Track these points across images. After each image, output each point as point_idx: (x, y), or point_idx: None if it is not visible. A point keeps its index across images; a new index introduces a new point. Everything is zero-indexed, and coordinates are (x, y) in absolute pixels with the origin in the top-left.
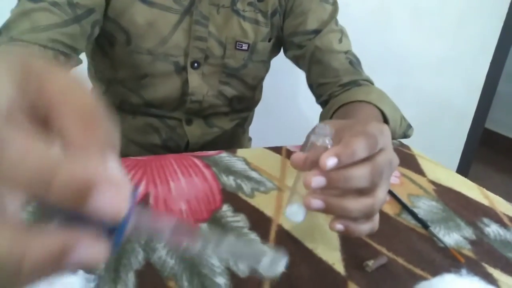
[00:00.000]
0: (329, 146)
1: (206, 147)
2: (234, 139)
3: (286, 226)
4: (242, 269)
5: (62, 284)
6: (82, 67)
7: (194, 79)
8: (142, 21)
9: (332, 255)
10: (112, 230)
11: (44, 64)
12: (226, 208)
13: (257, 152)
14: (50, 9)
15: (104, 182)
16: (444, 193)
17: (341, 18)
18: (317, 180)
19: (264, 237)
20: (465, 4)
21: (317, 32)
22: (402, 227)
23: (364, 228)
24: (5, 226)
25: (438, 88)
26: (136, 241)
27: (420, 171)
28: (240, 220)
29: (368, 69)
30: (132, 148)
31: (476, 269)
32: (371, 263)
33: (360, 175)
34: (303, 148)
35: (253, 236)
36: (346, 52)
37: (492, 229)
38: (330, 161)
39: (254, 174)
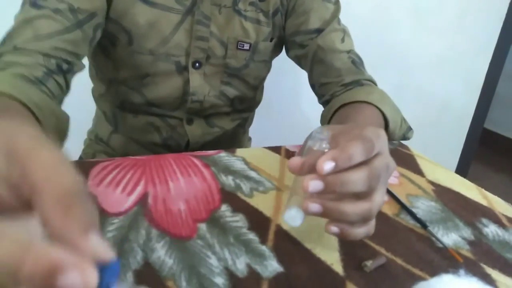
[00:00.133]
0: (326, 151)
1: (206, 146)
2: (235, 139)
3: (285, 226)
4: (240, 269)
5: None
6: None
7: (196, 79)
8: (144, 21)
9: (330, 255)
10: None
11: (28, 142)
12: (225, 208)
13: (256, 152)
14: (52, 16)
15: (72, 266)
16: (443, 193)
17: (342, 17)
18: (315, 184)
19: (263, 237)
20: (465, 4)
21: (319, 31)
22: (401, 227)
23: (360, 231)
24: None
25: (437, 88)
26: (134, 241)
27: (419, 171)
28: (239, 220)
29: (368, 68)
30: (132, 147)
31: (475, 270)
32: (370, 263)
33: (357, 179)
34: (300, 152)
35: (252, 236)
36: (348, 52)
37: (491, 229)
38: (327, 165)
39: (253, 174)
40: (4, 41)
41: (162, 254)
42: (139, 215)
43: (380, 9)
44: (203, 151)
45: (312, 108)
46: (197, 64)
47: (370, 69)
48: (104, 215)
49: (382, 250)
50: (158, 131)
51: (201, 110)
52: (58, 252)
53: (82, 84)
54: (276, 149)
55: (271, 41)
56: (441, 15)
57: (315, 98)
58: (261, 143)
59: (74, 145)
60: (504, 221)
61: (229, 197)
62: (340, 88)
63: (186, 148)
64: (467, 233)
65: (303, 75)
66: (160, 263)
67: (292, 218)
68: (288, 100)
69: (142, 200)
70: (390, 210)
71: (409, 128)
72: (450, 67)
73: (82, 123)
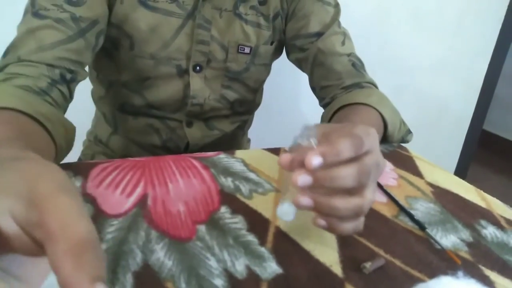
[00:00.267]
0: (314, 146)
1: (205, 148)
2: (234, 141)
3: (284, 227)
4: (240, 271)
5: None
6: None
7: (196, 82)
8: (145, 26)
9: (329, 257)
10: None
11: (49, 188)
12: (224, 210)
13: (255, 153)
14: (55, 26)
15: None
16: (441, 195)
17: (341, 18)
18: (304, 179)
19: (262, 238)
20: (464, 6)
21: (319, 34)
22: (400, 229)
23: (348, 226)
24: None
25: (436, 90)
26: (134, 242)
27: (417, 173)
28: (238, 222)
29: (367, 70)
30: (132, 148)
31: (473, 271)
32: (369, 265)
33: (346, 174)
34: (290, 149)
35: (251, 237)
36: (349, 55)
37: (489, 231)
38: (315, 161)
39: (252, 176)
40: (8, 52)
41: (162, 256)
42: (139, 217)
43: (379, 11)
44: (203, 153)
45: (311, 110)
46: (198, 68)
47: (369, 71)
48: (103, 217)
49: (381, 252)
50: (157, 133)
51: (201, 113)
52: None
53: (82, 85)
54: (275, 151)
55: (271, 44)
56: (440, 17)
57: (314, 100)
58: (261, 144)
59: (73, 146)
60: (503, 222)
61: (229, 198)
62: (340, 91)
63: (186, 150)
64: (466, 234)
65: (302, 77)
66: (159, 265)
67: (284, 213)
68: (288, 101)
69: (142, 202)
70: (389, 211)
71: (409, 131)
72: (449, 69)
73: (81, 124)
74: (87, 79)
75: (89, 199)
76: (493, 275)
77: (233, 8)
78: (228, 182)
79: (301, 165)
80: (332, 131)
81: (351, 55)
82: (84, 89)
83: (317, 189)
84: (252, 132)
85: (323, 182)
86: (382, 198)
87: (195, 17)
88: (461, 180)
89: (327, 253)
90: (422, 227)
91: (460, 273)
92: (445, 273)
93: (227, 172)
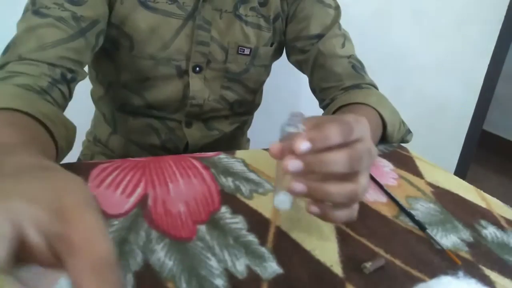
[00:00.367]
0: (301, 132)
1: (205, 149)
2: (233, 141)
3: (285, 227)
4: (240, 271)
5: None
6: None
7: (196, 83)
8: (145, 26)
9: (330, 257)
10: None
11: (76, 202)
12: (224, 210)
13: (255, 153)
14: (56, 25)
15: None
16: (441, 195)
17: (341, 20)
18: (294, 164)
19: (263, 238)
20: (464, 6)
21: (320, 36)
22: (400, 229)
23: (341, 214)
24: None
25: (436, 90)
26: (134, 242)
27: (418, 173)
28: (238, 222)
29: (367, 71)
30: (131, 148)
31: (473, 271)
32: (369, 265)
33: (336, 159)
34: (281, 139)
35: (252, 237)
36: (349, 57)
37: (490, 231)
38: (303, 145)
39: (252, 176)
40: (8, 49)
41: (162, 256)
42: (139, 217)
43: (379, 12)
44: (203, 153)
45: (310, 110)
46: (197, 69)
47: (369, 71)
48: (104, 217)
49: (381, 252)
50: (157, 133)
51: (200, 114)
52: None
53: (81, 86)
54: None
55: (271, 46)
56: (440, 17)
57: (314, 101)
58: (261, 144)
59: (73, 147)
60: (503, 222)
61: (229, 198)
62: (340, 92)
63: (185, 151)
64: (466, 235)
65: (302, 78)
66: (160, 265)
67: (281, 202)
68: (287, 102)
69: (142, 202)
70: (389, 212)
71: (408, 131)
72: (449, 69)
73: (80, 124)
74: (87, 79)
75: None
76: (493, 275)
77: (233, 9)
78: (228, 182)
79: (292, 153)
80: (323, 121)
81: (351, 57)
82: (83, 89)
83: (310, 176)
84: (251, 133)
85: (313, 167)
86: (382, 198)
87: (195, 18)
88: (461, 180)
89: (328, 253)
90: (422, 227)
91: (460, 273)
92: (445, 273)
93: (228, 172)
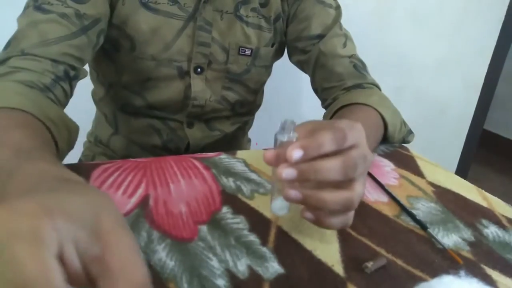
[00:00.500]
0: (294, 140)
1: (206, 149)
2: (234, 141)
3: (286, 228)
4: (242, 271)
5: None
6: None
7: (197, 84)
8: (147, 28)
9: (331, 257)
10: None
11: (112, 223)
12: (225, 210)
13: (256, 153)
14: (59, 21)
15: None
16: (443, 195)
17: (341, 19)
18: (287, 172)
19: (264, 238)
20: (464, 6)
21: (321, 36)
22: (401, 229)
23: (336, 221)
24: None
25: (437, 90)
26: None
27: (419, 173)
28: (239, 222)
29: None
30: (132, 149)
31: (475, 271)
32: (370, 265)
33: (330, 167)
34: (275, 146)
35: (253, 237)
36: (350, 57)
37: (491, 230)
38: (296, 154)
39: (253, 176)
40: (9, 44)
41: (163, 256)
42: (140, 217)
43: (379, 11)
44: (204, 153)
45: (311, 110)
46: (199, 69)
47: (370, 72)
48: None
49: (383, 252)
50: (158, 134)
51: (201, 114)
52: None
53: (82, 86)
54: None
55: (272, 46)
56: (440, 17)
57: (315, 101)
58: (262, 144)
59: (74, 148)
60: (504, 222)
61: (230, 199)
62: (342, 91)
63: (186, 151)
64: (467, 234)
65: (303, 78)
66: (161, 265)
67: (278, 208)
68: (288, 102)
69: (143, 202)
70: (390, 211)
71: (410, 132)
72: (449, 69)
73: (81, 125)
74: (88, 79)
75: None
76: (495, 274)
77: (234, 10)
78: (229, 182)
79: (286, 160)
80: (317, 127)
81: (353, 56)
82: (84, 90)
83: (306, 184)
84: (252, 133)
85: (307, 175)
86: (383, 198)
87: (196, 19)
88: (462, 179)
89: (329, 253)
90: (423, 226)
91: (462, 273)
92: (447, 272)
93: (229, 172)
